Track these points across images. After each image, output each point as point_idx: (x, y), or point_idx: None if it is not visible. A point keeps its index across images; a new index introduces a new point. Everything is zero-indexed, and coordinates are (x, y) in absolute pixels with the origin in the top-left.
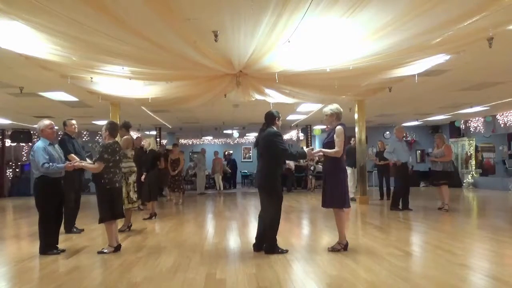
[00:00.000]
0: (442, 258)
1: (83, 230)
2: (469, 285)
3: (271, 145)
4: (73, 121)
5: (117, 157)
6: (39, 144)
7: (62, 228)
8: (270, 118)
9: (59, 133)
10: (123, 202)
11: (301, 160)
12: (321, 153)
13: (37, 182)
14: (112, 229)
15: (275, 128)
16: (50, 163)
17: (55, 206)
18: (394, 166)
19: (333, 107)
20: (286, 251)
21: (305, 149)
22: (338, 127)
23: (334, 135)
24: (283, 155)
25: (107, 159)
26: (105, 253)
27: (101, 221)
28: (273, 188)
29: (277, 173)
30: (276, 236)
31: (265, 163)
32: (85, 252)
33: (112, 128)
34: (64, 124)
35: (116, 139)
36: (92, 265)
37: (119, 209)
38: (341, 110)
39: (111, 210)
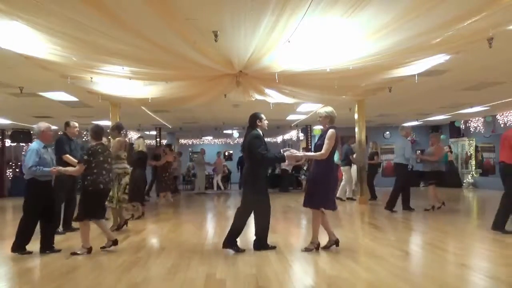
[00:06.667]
0: (442, 258)
1: (79, 229)
2: (469, 285)
3: (251, 148)
4: (76, 124)
5: (101, 158)
6: (33, 145)
7: (62, 228)
8: (252, 120)
9: (59, 133)
10: (111, 202)
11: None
12: (304, 157)
13: (27, 184)
14: (86, 230)
15: (258, 130)
16: (38, 167)
17: (40, 208)
18: (400, 167)
19: (328, 109)
20: (274, 247)
21: (284, 152)
22: (331, 130)
23: (326, 138)
24: (259, 159)
25: (87, 161)
26: (78, 254)
27: (76, 219)
28: (256, 190)
29: (261, 176)
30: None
31: (249, 166)
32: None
33: (94, 131)
34: (67, 124)
35: (105, 140)
36: (91, 265)
37: (98, 211)
38: (335, 114)
39: (88, 210)
